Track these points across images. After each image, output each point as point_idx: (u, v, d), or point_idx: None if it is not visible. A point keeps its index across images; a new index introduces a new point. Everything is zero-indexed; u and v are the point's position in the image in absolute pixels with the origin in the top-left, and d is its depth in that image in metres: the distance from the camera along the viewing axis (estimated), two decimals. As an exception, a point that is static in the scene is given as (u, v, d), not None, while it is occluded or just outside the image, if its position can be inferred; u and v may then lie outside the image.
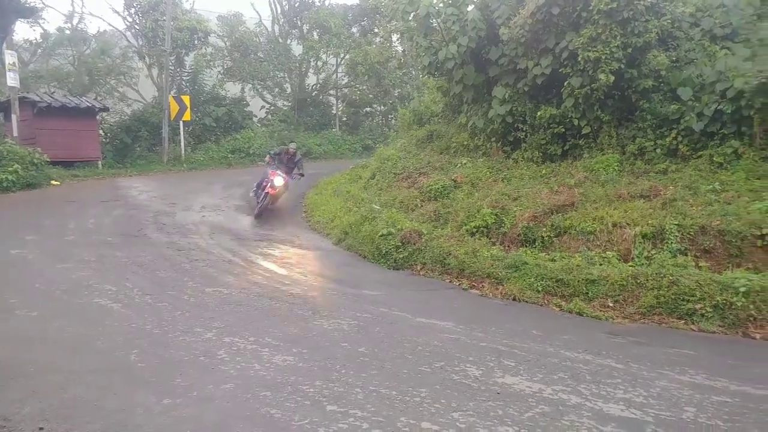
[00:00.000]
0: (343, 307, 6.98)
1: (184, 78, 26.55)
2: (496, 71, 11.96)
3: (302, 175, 13.56)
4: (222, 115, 25.89)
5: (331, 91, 31.61)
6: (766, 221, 7.28)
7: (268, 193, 12.53)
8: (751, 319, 6.29)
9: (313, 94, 30.97)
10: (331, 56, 29.91)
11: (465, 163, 12.07)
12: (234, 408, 4.19)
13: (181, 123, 22.93)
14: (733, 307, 6.35)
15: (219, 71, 28.52)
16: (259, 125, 28.77)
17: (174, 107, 22.58)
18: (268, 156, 13.49)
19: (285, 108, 30.38)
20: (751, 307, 6.31)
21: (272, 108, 30.54)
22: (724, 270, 7.03)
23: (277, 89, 30.61)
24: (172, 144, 23.09)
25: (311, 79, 31.09)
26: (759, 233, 7.22)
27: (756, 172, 8.53)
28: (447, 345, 5.66)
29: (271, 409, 4.16)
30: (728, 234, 7.38)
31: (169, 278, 7.92)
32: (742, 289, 6.37)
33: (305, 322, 6.27)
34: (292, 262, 9.31)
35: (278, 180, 12.57)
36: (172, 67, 25.36)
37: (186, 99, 22.99)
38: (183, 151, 23.11)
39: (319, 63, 30.51)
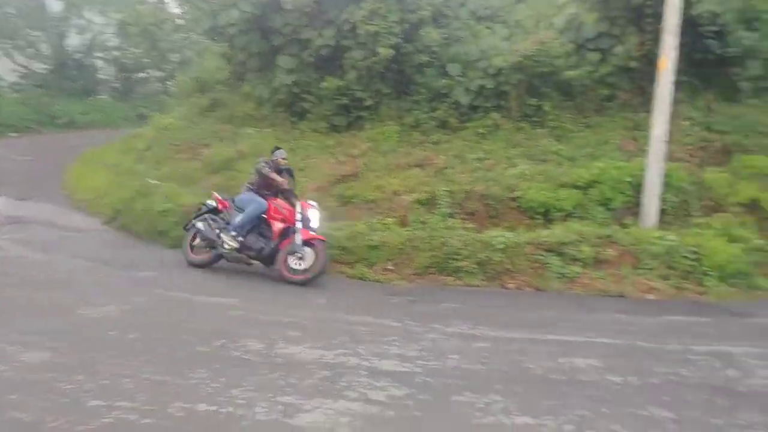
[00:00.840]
0: (113, 292, 6.25)
1: None
2: (281, 40, 11.68)
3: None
4: (-43, 78, 21.47)
5: (99, 54, 28.17)
6: (518, 185, 8.33)
7: (314, 241, 6.80)
8: (507, 271, 7.17)
9: (76, 56, 27.28)
10: (97, 15, 26.55)
11: (251, 134, 11.65)
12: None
13: None
14: (492, 262, 7.15)
15: (-46, 27, 23.46)
16: (9, 90, 24.55)
17: None
18: (266, 169, 7.06)
19: (42, 72, 26.31)
20: (507, 261, 7.18)
21: (27, 72, 26.21)
22: (485, 230, 7.87)
23: (31, 50, 26.27)
24: None
25: (74, 40, 27.30)
26: (512, 196, 8.24)
27: (512, 141, 9.70)
28: (229, 323, 5.41)
29: (19, 413, 3.54)
30: (489, 198, 8.30)
31: None
32: (500, 246, 7.20)
33: (67, 312, 5.47)
34: (52, 246, 8.09)
35: (315, 215, 7.07)
36: None
37: None
38: None
39: (83, 22, 26.89)
